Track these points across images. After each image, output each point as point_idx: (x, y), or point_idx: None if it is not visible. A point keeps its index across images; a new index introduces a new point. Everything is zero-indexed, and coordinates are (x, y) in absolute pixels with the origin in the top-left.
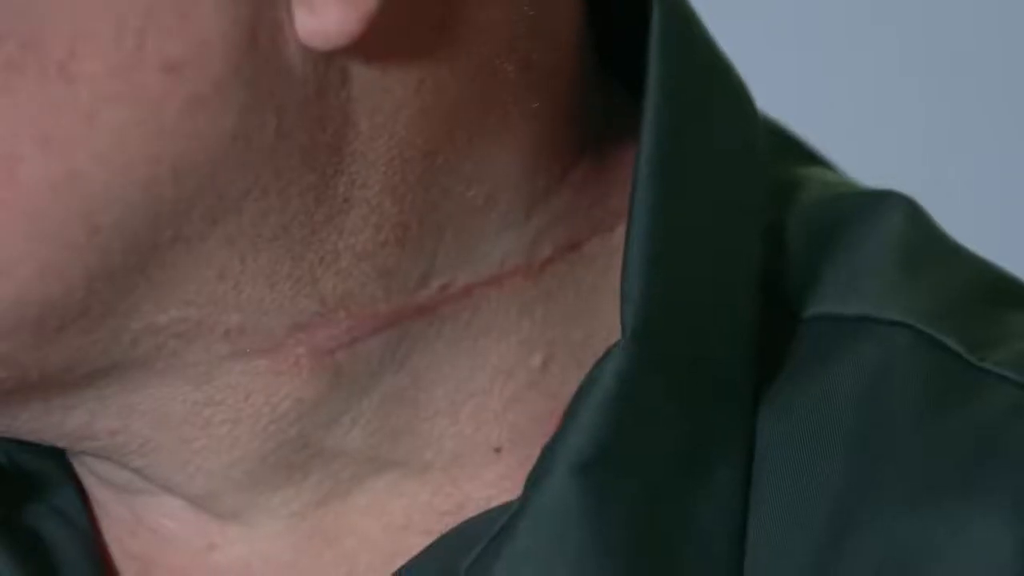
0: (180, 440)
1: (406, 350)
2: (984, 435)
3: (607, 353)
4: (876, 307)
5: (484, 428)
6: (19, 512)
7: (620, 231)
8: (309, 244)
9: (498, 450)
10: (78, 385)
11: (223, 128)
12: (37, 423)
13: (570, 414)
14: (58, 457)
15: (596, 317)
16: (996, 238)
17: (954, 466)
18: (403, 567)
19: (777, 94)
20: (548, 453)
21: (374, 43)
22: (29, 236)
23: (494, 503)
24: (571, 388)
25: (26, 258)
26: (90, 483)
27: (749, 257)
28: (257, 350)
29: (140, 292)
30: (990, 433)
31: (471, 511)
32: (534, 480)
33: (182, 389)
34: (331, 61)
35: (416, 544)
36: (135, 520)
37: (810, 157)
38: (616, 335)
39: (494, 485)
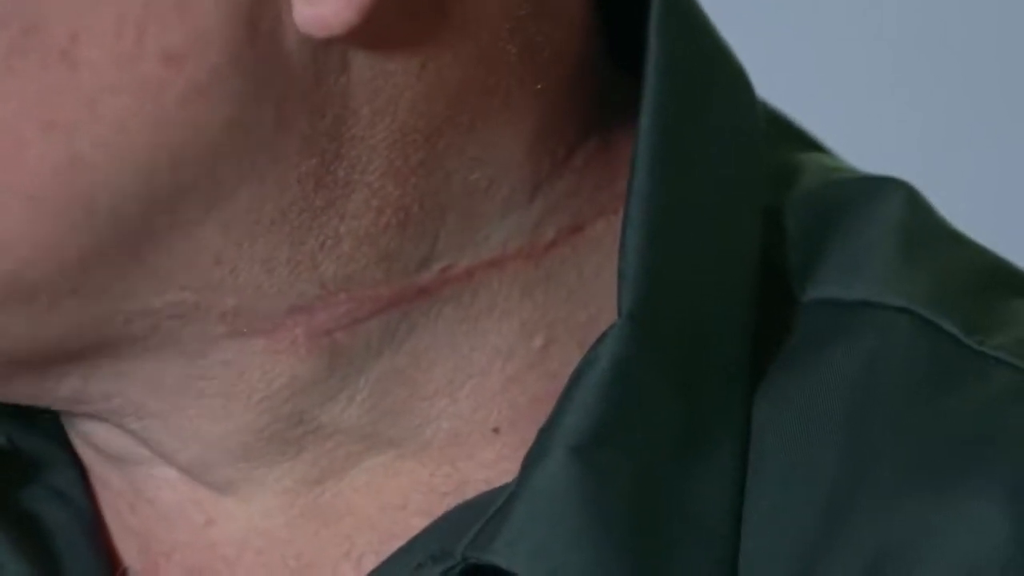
0: (174, 407)
1: (406, 331)
2: (981, 419)
3: (604, 334)
4: (875, 292)
5: (482, 408)
6: (17, 495)
7: None
8: (309, 229)
9: (496, 430)
10: (69, 358)
11: (222, 117)
12: (31, 389)
13: (567, 395)
14: (58, 438)
15: (599, 299)
16: (992, 230)
17: (951, 450)
18: (401, 548)
19: (776, 85)
20: (545, 434)
21: (374, 28)
22: (29, 217)
23: (494, 484)
24: (571, 369)
25: (25, 238)
26: (89, 458)
27: (748, 240)
28: (254, 331)
29: (135, 275)
30: (987, 417)
31: (471, 492)
32: (531, 461)
33: (175, 363)
34: (329, 48)
35: (415, 525)
36: (134, 493)
37: (809, 143)
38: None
39: (493, 466)
